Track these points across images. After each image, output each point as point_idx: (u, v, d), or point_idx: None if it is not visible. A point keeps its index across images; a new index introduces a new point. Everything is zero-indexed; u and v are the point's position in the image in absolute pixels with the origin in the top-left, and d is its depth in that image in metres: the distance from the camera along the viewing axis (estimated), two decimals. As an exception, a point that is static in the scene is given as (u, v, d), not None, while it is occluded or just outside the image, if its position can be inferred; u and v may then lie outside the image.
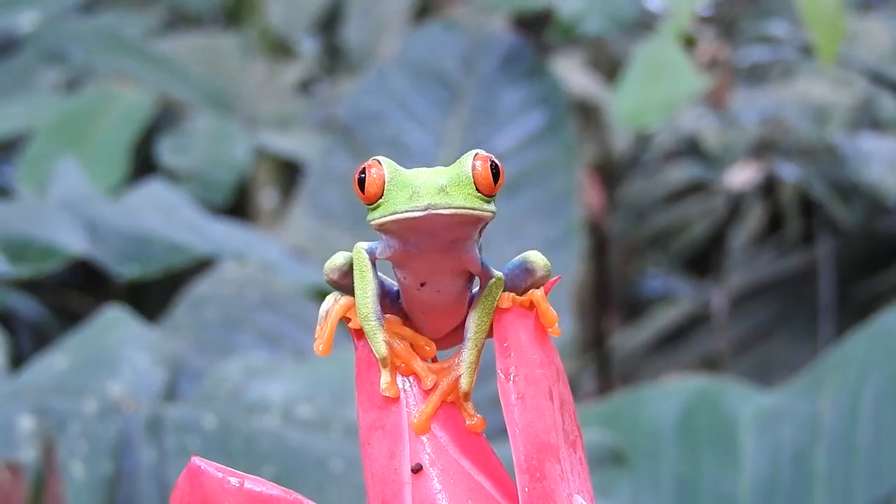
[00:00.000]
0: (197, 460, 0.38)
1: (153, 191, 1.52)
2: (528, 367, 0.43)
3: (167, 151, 2.14)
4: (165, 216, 1.39)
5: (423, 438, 0.42)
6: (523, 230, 1.67)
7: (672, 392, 1.32)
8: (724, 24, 2.48)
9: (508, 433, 0.42)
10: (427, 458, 0.42)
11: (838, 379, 1.23)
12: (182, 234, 1.33)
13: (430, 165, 1.72)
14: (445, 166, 0.45)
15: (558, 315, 0.45)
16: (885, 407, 1.20)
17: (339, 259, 0.46)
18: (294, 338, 1.41)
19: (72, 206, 1.34)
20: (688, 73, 1.62)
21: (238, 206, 2.33)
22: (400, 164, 0.46)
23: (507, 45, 1.82)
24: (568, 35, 1.78)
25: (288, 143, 2.24)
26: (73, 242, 1.26)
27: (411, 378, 0.43)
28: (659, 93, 1.62)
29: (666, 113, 1.65)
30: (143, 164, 2.19)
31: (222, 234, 1.39)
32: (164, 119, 2.30)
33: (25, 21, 2.39)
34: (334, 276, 0.46)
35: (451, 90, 1.80)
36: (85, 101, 2.14)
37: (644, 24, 2.11)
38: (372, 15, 2.61)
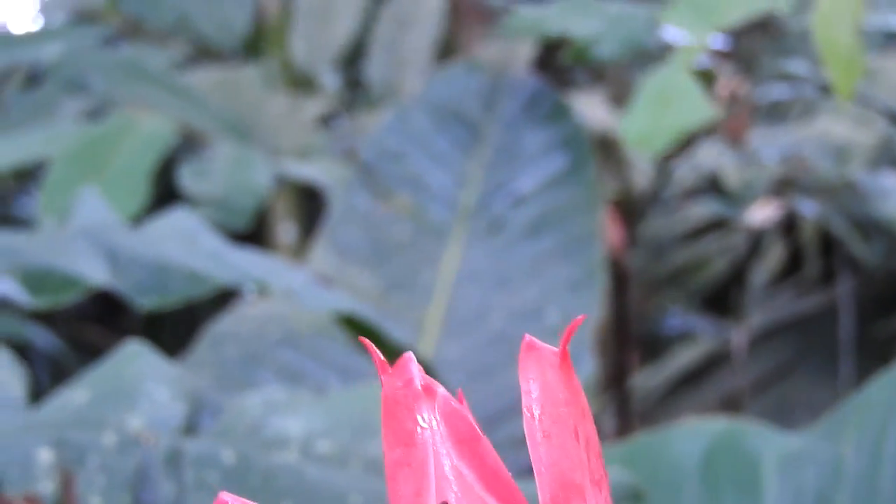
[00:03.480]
0: (225, 495, 0.38)
1: (175, 218, 1.52)
2: (554, 405, 0.43)
3: (188, 176, 2.14)
4: (186, 245, 1.39)
5: (450, 476, 0.42)
6: (545, 271, 1.68)
7: (694, 433, 1.31)
8: (744, 60, 2.48)
9: (534, 472, 0.42)
10: (454, 496, 0.41)
11: (861, 422, 1.22)
12: (203, 262, 1.33)
13: (451, 205, 1.73)
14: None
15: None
16: (908, 453, 1.19)
17: None
18: (315, 376, 1.41)
19: (92, 236, 1.34)
20: (698, 100, 1.62)
21: (256, 239, 2.33)
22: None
23: (531, 87, 1.83)
24: (581, 59, 1.79)
25: (309, 171, 2.25)
26: (94, 273, 1.26)
27: (437, 415, 0.43)
28: (667, 119, 1.62)
29: (675, 138, 1.65)
30: (164, 194, 2.20)
31: (244, 261, 1.38)
32: (184, 149, 2.31)
33: (48, 53, 2.41)
34: None
35: (472, 131, 1.81)
36: (105, 128, 2.15)
37: (662, 57, 2.11)
38: (395, 51, 2.62)
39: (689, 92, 1.63)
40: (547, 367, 0.44)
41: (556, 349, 0.45)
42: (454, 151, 1.79)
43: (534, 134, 1.79)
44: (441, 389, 0.44)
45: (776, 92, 2.41)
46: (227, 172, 2.16)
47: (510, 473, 0.44)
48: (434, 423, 0.43)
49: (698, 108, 1.62)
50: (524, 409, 0.43)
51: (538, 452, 0.43)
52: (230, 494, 0.37)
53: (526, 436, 0.43)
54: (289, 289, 1.34)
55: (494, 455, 0.45)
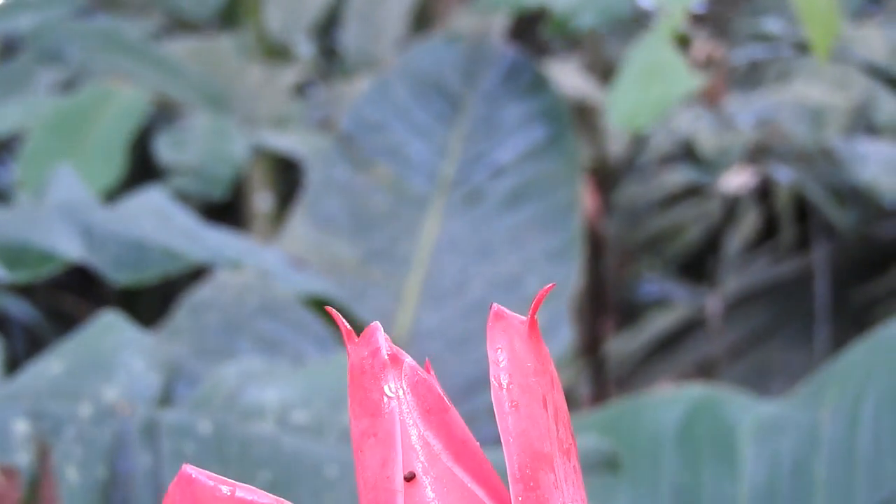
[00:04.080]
0: (188, 468, 0.38)
1: (150, 197, 1.52)
2: (523, 375, 0.43)
3: (165, 147, 2.14)
4: (162, 223, 1.39)
5: (417, 446, 0.42)
6: (525, 241, 1.68)
7: (671, 400, 1.32)
8: (719, 22, 2.48)
9: (502, 442, 0.42)
10: (420, 466, 0.42)
11: (839, 389, 1.23)
12: (178, 241, 1.33)
13: (430, 176, 1.73)
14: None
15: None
16: (886, 418, 1.20)
17: None
18: (294, 345, 1.41)
19: (68, 212, 1.34)
20: (683, 72, 1.62)
21: (232, 208, 2.33)
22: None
23: (510, 59, 1.83)
24: (561, 30, 1.78)
25: (285, 142, 2.25)
26: (70, 248, 1.26)
27: (404, 385, 0.43)
28: (654, 93, 1.61)
29: (661, 114, 1.64)
30: (140, 164, 2.19)
31: (219, 241, 1.39)
32: (161, 119, 2.30)
33: (23, 24, 2.39)
34: None
35: (452, 102, 1.81)
36: (81, 99, 2.14)
37: (639, 23, 2.11)
38: (369, 20, 2.61)
39: (674, 64, 1.63)
40: (515, 337, 0.44)
41: (524, 318, 0.45)
42: (434, 122, 1.79)
43: (513, 105, 1.79)
44: (408, 359, 0.45)
45: (751, 53, 2.41)
46: (203, 143, 2.16)
47: (488, 442, 0.44)
48: (401, 392, 0.44)
49: (683, 80, 1.62)
50: (492, 379, 0.43)
51: (506, 422, 0.43)
52: (193, 466, 0.37)
53: (494, 406, 0.43)
54: (262, 269, 1.34)
55: (462, 425, 0.45)
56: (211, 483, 0.38)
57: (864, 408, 1.21)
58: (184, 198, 1.90)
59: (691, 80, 1.62)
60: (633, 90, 1.62)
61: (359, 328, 0.45)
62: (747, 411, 1.28)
